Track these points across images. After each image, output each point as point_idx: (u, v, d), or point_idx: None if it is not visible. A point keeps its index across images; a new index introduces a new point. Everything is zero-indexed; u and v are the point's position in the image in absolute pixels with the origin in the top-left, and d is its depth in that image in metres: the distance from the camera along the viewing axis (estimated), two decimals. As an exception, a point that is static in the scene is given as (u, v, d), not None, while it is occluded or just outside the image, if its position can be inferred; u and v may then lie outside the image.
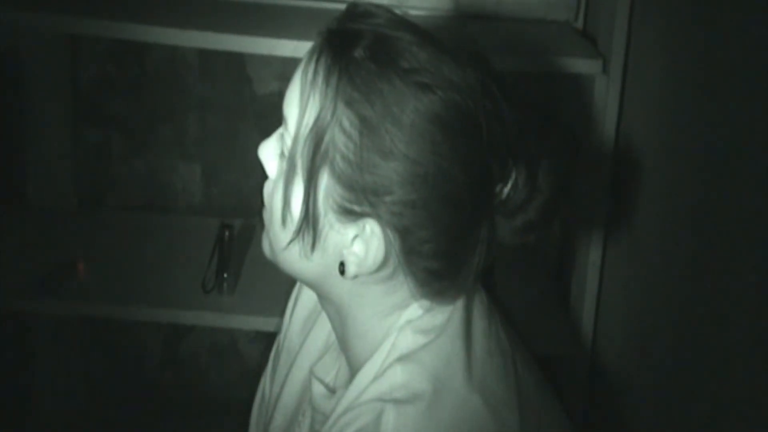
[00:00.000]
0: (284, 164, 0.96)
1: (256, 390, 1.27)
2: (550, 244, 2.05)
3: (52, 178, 2.12)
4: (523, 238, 0.97)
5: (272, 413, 1.16)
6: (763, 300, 1.15)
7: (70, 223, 2.07)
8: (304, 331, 1.17)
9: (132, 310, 1.83)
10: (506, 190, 0.94)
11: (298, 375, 1.14)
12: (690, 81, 1.45)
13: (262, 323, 1.81)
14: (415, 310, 0.98)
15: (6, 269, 1.87)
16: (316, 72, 0.93)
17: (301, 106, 0.94)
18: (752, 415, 1.17)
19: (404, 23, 0.95)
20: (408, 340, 0.96)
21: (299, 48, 1.61)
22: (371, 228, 0.93)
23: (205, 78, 2.10)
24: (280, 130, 0.99)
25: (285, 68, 2.03)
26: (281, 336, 1.21)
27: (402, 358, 0.95)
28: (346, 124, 0.91)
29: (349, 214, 0.93)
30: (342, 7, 0.97)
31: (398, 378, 0.93)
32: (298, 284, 1.20)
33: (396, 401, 0.92)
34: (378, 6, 0.96)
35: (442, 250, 0.94)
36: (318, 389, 1.08)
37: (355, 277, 0.95)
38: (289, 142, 0.95)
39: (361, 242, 0.94)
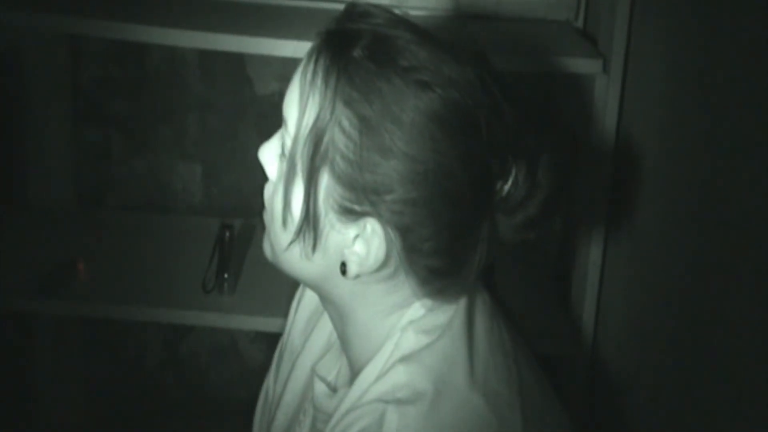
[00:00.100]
0: (284, 165, 0.96)
1: (256, 390, 1.27)
2: (551, 244, 2.05)
3: (52, 178, 2.13)
4: (524, 235, 0.97)
5: (274, 412, 1.16)
6: (763, 300, 1.15)
7: (70, 223, 2.07)
8: (306, 331, 1.17)
9: (132, 310, 1.83)
10: (506, 187, 0.94)
11: (300, 374, 1.14)
12: (690, 81, 1.45)
13: (262, 323, 1.81)
14: (418, 309, 0.98)
15: (6, 269, 1.87)
16: (315, 72, 0.93)
17: (300, 106, 0.94)
18: (752, 415, 1.17)
19: (403, 22, 0.95)
20: (410, 341, 0.96)
21: (299, 48, 1.60)
22: (372, 227, 0.93)
23: (205, 78, 2.10)
24: (280, 132, 0.99)
25: (285, 68, 2.03)
26: (284, 336, 1.21)
27: (404, 359, 0.95)
28: (346, 123, 0.91)
29: (349, 213, 0.93)
30: (341, 7, 0.97)
31: (401, 378, 0.93)
32: (301, 284, 1.20)
33: (398, 401, 0.92)
34: (377, 6, 0.96)
35: (443, 247, 0.94)
36: (320, 388, 1.08)
37: (357, 276, 0.95)
38: (288, 143, 0.95)
39: (362, 242, 0.94)
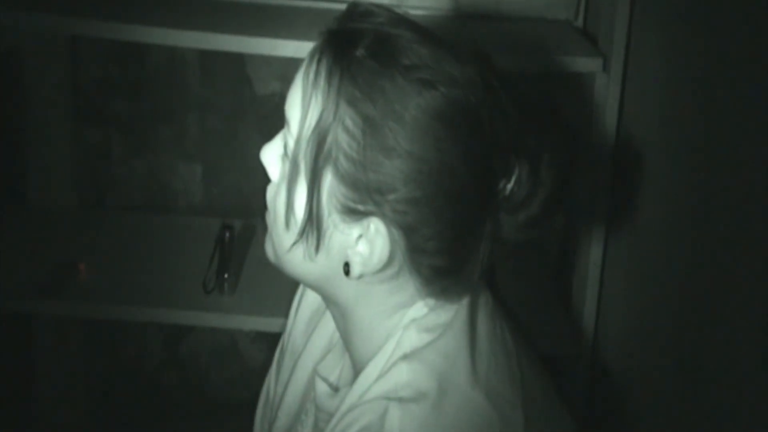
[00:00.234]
0: (287, 166, 0.96)
1: (256, 390, 1.27)
2: (551, 244, 2.05)
3: (53, 179, 2.13)
4: (527, 234, 0.97)
5: (276, 413, 1.16)
6: (763, 300, 1.15)
7: (70, 224, 2.07)
8: (307, 331, 1.17)
9: (133, 310, 1.83)
10: (509, 185, 0.94)
11: (301, 374, 1.14)
12: (690, 80, 1.45)
13: (262, 323, 1.81)
14: (420, 308, 0.98)
15: (7, 269, 1.87)
16: (317, 72, 0.92)
17: (303, 107, 0.94)
18: (752, 415, 1.17)
19: (405, 21, 0.95)
20: (412, 339, 0.96)
21: (300, 48, 1.61)
22: (376, 227, 0.93)
23: (205, 78, 2.10)
24: (282, 133, 0.99)
25: (285, 68, 2.03)
26: (285, 336, 1.21)
27: (407, 357, 0.95)
28: (349, 123, 0.91)
29: (353, 213, 0.93)
30: (342, 7, 0.97)
31: (403, 376, 0.93)
32: (301, 284, 1.20)
33: (401, 400, 0.92)
34: (378, 5, 0.96)
35: (446, 246, 0.94)
36: (322, 388, 1.08)
37: (360, 277, 0.95)
38: (291, 143, 0.95)
39: (366, 242, 0.94)
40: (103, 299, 1.82)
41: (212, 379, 2.30)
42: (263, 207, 1.03)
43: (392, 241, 0.93)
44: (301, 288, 1.21)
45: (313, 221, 0.94)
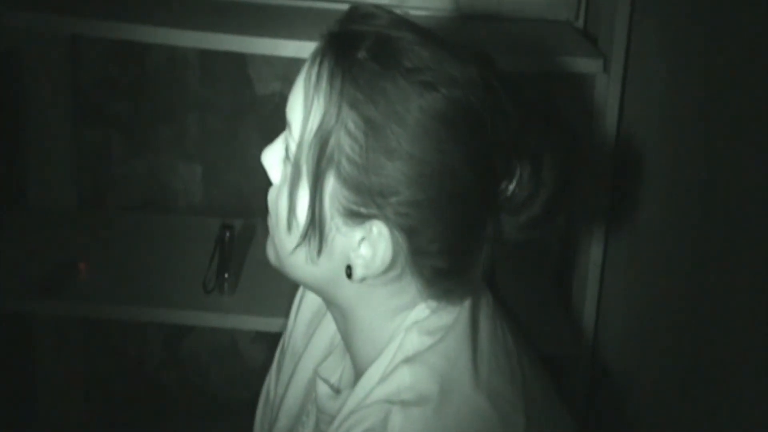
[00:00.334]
0: (289, 169, 0.96)
1: (256, 390, 1.27)
2: (551, 244, 2.05)
3: (53, 179, 2.12)
4: (528, 234, 0.97)
5: (277, 414, 1.16)
6: (763, 300, 1.15)
7: (70, 224, 2.07)
8: (308, 332, 1.17)
9: (133, 310, 1.83)
10: (511, 186, 0.94)
11: (302, 376, 1.14)
12: (690, 80, 1.45)
13: (262, 323, 1.81)
14: (422, 310, 0.98)
15: (7, 270, 1.87)
16: (319, 75, 0.92)
17: (305, 110, 0.94)
18: (752, 415, 1.17)
19: (406, 23, 0.95)
20: (414, 341, 0.96)
21: (301, 48, 1.61)
22: (378, 229, 0.93)
23: (205, 78, 2.10)
24: (283, 135, 0.99)
25: (286, 69, 2.03)
26: (285, 337, 1.21)
27: (409, 360, 0.95)
28: (351, 126, 0.91)
29: (355, 216, 0.93)
30: (343, 6, 0.97)
31: (405, 379, 0.93)
32: (301, 286, 1.19)
33: (403, 403, 0.92)
34: (379, 7, 0.96)
35: (449, 248, 0.94)
36: (323, 389, 1.08)
37: (362, 279, 0.95)
38: (293, 147, 0.95)
39: (368, 244, 0.93)
40: (103, 299, 1.82)
41: (212, 379, 2.30)
42: (264, 209, 1.03)
43: (395, 244, 0.93)
44: (301, 289, 1.21)
45: (316, 225, 0.94)
